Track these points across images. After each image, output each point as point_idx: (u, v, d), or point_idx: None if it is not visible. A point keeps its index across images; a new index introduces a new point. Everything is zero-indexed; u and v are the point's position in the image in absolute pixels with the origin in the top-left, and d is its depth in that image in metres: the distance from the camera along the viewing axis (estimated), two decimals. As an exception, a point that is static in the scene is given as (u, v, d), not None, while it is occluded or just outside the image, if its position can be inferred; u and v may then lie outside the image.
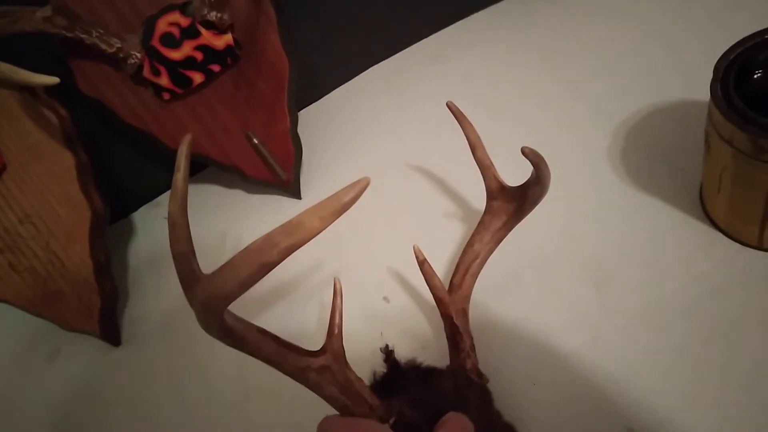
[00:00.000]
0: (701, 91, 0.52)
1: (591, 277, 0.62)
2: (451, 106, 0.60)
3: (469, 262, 0.60)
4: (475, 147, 0.59)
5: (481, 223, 0.60)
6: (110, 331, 0.79)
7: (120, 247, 0.90)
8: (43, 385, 0.79)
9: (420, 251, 0.56)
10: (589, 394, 0.55)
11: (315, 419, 0.44)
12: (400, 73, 0.92)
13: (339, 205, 0.32)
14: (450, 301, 0.56)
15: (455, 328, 0.55)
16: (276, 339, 0.44)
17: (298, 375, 0.45)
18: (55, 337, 0.81)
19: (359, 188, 0.32)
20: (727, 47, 0.52)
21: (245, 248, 0.34)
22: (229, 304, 0.37)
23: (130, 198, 0.94)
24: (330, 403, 0.47)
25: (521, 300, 0.63)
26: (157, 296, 0.82)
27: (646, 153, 0.69)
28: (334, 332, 0.48)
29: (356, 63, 0.94)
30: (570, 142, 0.73)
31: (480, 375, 0.55)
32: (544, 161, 0.52)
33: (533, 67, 0.84)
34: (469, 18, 0.94)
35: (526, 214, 0.58)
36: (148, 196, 0.95)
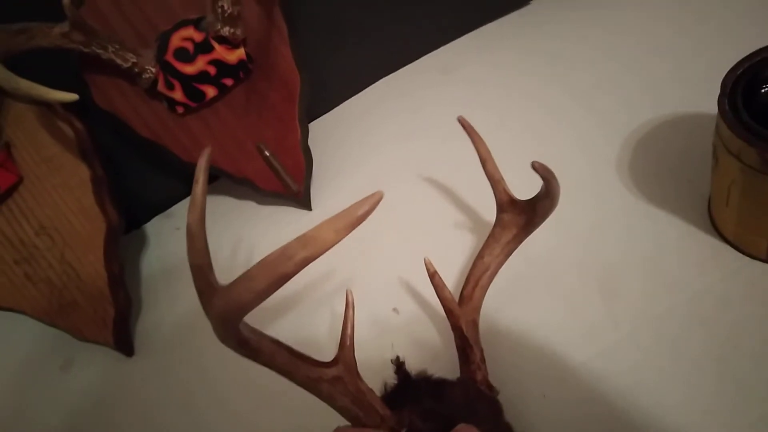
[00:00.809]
0: (709, 103, 0.52)
1: (599, 289, 0.63)
2: (462, 121, 0.61)
3: (479, 274, 0.60)
4: (486, 161, 0.60)
5: (492, 235, 0.61)
6: (124, 342, 0.80)
7: (133, 257, 0.91)
8: (56, 395, 0.80)
9: (431, 263, 0.57)
10: (598, 407, 0.56)
11: (326, 429, 0.45)
12: (410, 85, 0.93)
13: (353, 219, 0.33)
14: (460, 313, 0.57)
15: (465, 340, 0.56)
16: (289, 350, 0.45)
17: (311, 386, 0.46)
18: (69, 347, 0.82)
19: (373, 202, 0.33)
20: (736, 62, 0.53)
21: (262, 260, 0.35)
22: (245, 315, 0.38)
23: (142, 209, 0.95)
24: (342, 413, 0.47)
25: (530, 311, 0.64)
26: (169, 307, 0.83)
27: (654, 165, 0.69)
28: (346, 343, 0.48)
29: (366, 75, 0.95)
30: (578, 154, 0.74)
31: (490, 387, 0.56)
32: (554, 176, 0.52)
33: (541, 78, 0.85)
34: (477, 30, 0.95)
35: (535, 228, 0.59)
36: (161, 207, 0.96)
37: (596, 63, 0.83)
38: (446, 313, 0.57)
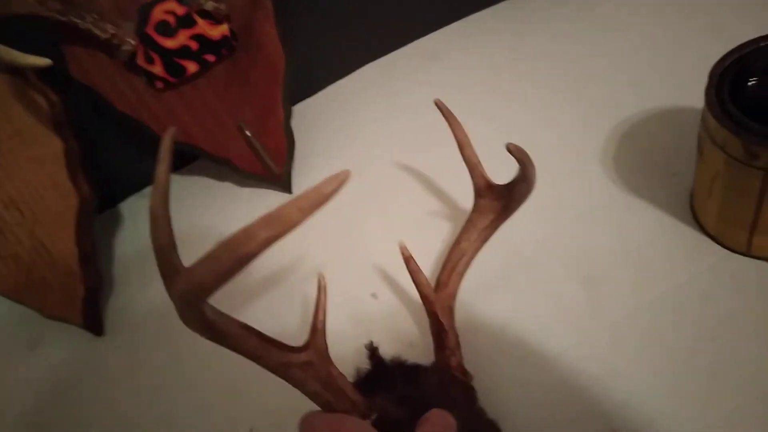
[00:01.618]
0: (694, 97, 0.52)
1: (580, 280, 0.62)
2: (438, 104, 0.60)
3: (455, 260, 0.60)
4: (463, 145, 0.59)
5: (469, 221, 0.60)
6: (93, 321, 0.78)
7: (107, 236, 0.89)
8: (23, 374, 0.78)
9: (406, 248, 0.56)
10: (573, 395, 0.55)
11: (298, 415, 0.43)
12: (396, 71, 0.92)
13: (319, 197, 0.32)
14: (436, 299, 0.56)
15: (440, 325, 0.55)
16: (258, 334, 0.44)
17: (281, 371, 0.45)
18: (37, 325, 0.80)
19: (339, 181, 0.32)
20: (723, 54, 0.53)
21: (224, 240, 0.33)
22: (208, 297, 0.37)
23: (119, 187, 0.93)
24: (312, 399, 0.46)
25: (509, 300, 0.63)
26: (142, 287, 0.81)
27: (638, 158, 0.69)
28: (317, 328, 0.48)
29: (352, 59, 0.94)
30: (563, 146, 0.73)
31: (465, 373, 0.55)
32: (529, 158, 0.52)
33: (528, 69, 0.84)
34: (466, 19, 0.94)
35: (512, 212, 0.58)
36: (138, 186, 0.93)
37: (583, 55, 0.82)
38: (422, 299, 0.56)
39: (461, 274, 0.60)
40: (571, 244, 0.65)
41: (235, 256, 0.33)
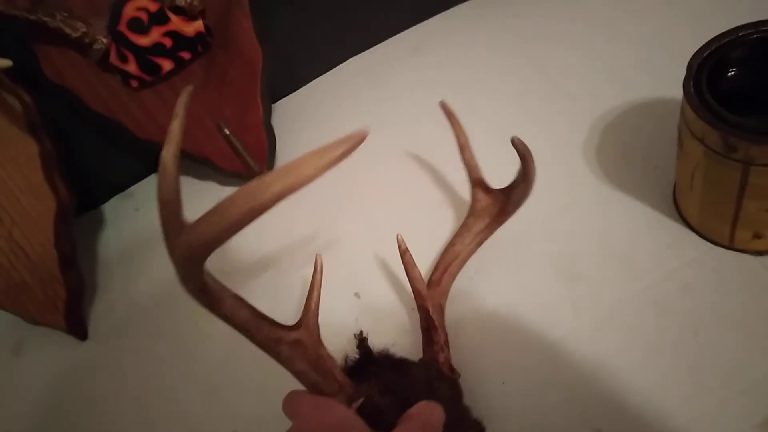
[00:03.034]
0: (675, 88, 0.51)
1: (562, 275, 0.61)
2: (444, 106, 0.60)
3: (449, 261, 0.60)
4: (464, 148, 0.60)
5: (464, 225, 0.60)
6: (76, 325, 0.77)
7: (89, 239, 0.88)
8: (6, 380, 0.77)
9: (403, 240, 0.55)
10: (557, 391, 0.55)
11: (281, 418, 0.43)
12: (379, 65, 0.91)
13: (334, 156, 0.31)
14: (427, 295, 0.56)
15: (431, 321, 0.55)
16: (251, 308, 0.43)
17: (270, 347, 0.44)
18: (19, 331, 0.79)
19: (356, 140, 0.31)
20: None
21: (235, 191, 0.32)
22: (211, 252, 0.36)
23: (100, 189, 0.92)
24: (299, 378, 0.46)
25: (493, 297, 0.62)
26: (126, 290, 0.80)
27: (621, 150, 0.68)
28: (310, 308, 0.48)
29: (334, 54, 0.92)
30: (545, 138, 0.72)
31: (452, 369, 0.55)
32: (531, 155, 0.51)
33: (510, 62, 0.83)
34: (448, 11, 0.92)
35: (508, 217, 0.58)
36: (120, 186, 0.92)
37: (566, 46, 0.81)
38: (414, 293, 0.56)
39: (453, 276, 0.60)
40: (553, 239, 0.64)
41: (245, 206, 0.32)
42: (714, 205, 0.54)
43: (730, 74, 0.53)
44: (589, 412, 0.53)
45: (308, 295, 0.49)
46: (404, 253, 0.55)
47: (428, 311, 0.55)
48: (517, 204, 0.57)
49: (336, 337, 0.51)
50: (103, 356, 0.75)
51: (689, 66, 0.51)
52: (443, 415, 0.41)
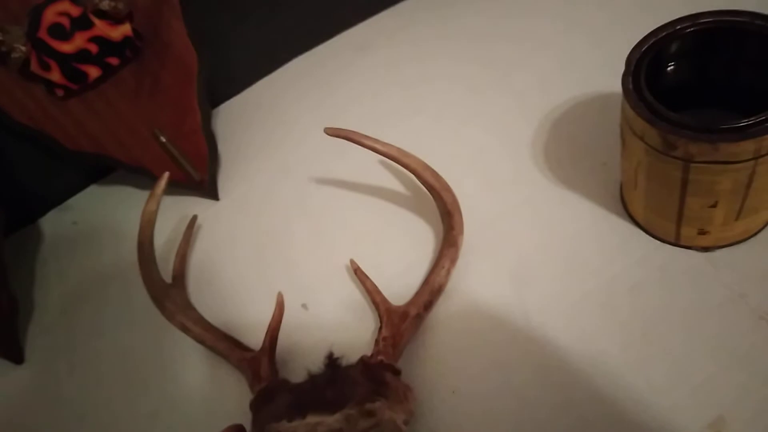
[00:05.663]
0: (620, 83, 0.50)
1: (510, 277, 0.60)
2: (330, 132, 0.62)
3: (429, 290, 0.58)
4: (417, 172, 0.59)
5: (443, 254, 0.59)
6: (10, 349, 0.73)
7: (25, 255, 0.83)
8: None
9: (354, 261, 0.59)
10: (507, 401, 0.53)
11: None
12: (325, 64, 0.88)
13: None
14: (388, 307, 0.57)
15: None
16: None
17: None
18: (-49, 357, 0.75)
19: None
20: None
21: None
22: None
23: (37, 202, 0.87)
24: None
25: (440, 303, 0.60)
26: (64, 309, 0.76)
27: (569, 147, 0.67)
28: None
29: (277, 55, 0.89)
30: (492, 135, 0.71)
31: (387, 366, 0.52)
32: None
33: (459, 57, 0.81)
34: (395, 7, 0.90)
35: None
36: (57, 200, 0.88)
37: (514, 41, 0.80)
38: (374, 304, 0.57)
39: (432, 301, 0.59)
40: (500, 239, 0.63)
41: None
42: (658, 203, 0.53)
43: (669, 68, 0.51)
44: (539, 419, 0.51)
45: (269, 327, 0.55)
46: (357, 270, 0.59)
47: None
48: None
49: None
50: (40, 380, 0.71)
51: (627, 62, 0.49)
52: None
